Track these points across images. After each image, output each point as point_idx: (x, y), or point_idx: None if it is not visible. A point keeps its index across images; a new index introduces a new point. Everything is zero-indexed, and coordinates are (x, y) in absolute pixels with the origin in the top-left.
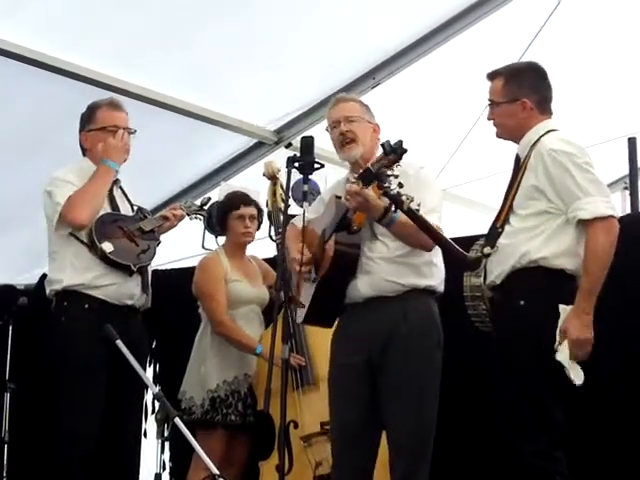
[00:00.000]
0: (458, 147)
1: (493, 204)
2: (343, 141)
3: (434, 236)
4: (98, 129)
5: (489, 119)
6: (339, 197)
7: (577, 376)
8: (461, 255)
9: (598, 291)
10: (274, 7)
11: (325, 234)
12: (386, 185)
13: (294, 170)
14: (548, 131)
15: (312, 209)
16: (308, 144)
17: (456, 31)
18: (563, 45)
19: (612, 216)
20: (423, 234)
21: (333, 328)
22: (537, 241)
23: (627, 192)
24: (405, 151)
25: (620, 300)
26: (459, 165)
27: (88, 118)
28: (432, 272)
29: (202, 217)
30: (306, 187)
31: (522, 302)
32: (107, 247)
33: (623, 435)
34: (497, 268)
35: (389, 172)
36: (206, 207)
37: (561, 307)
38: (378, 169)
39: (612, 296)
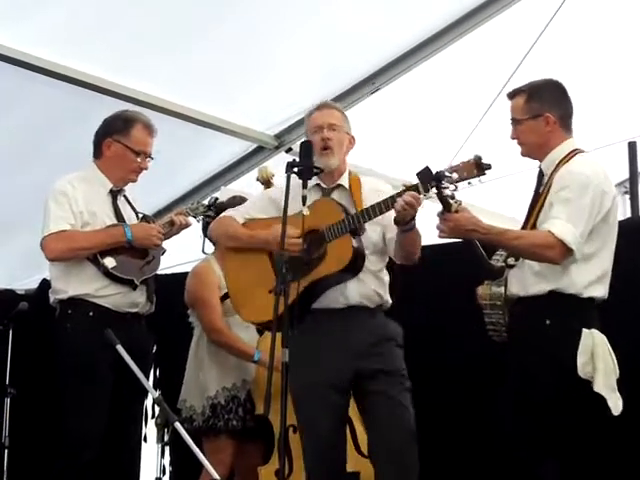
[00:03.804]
0: (457, 152)
1: (494, 209)
2: (323, 147)
3: (470, 243)
4: (129, 148)
5: (512, 138)
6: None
7: (615, 406)
8: (486, 263)
9: (496, 244)
10: (274, 12)
11: (327, 235)
12: (443, 186)
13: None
14: (574, 150)
15: (258, 208)
16: (307, 149)
17: (455, 37)
18: (562, 51)
19: (568, 248)
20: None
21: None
22: (567, 272)
23: (627, 196)
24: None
25: (621, 304)
26: None
27: (121, 129)
28: (387, 290)
29: (210, 217)
30: (305, 192)
31: (548, 322)
32: (109, 262)
33: (621, 443)
34: (521, 282)
35: (447, 173)
36: (214, 207)
37: (584, 331)
38: (442, 173)
39: (613, 300)
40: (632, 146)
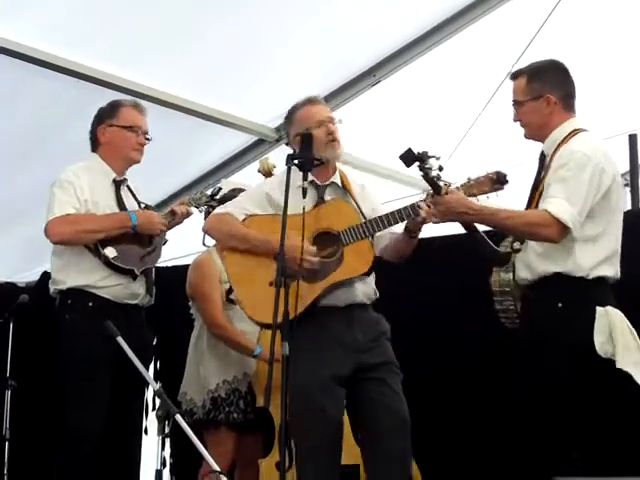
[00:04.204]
0: (459, 144)
1: (496, 201)
2: (332, 140)
3: (468, 227)
4: (120, 126)
5: (515, 120)
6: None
7: None
8: (491, 249)
9: (490, 225)
10: (275, 5)
11: (344, 238)
12: (427, 167)
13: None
14: (574, 130)
15: (255, 203)
16: (307, 141)
17: (456, 29)
18: (563, 42)
19: (565, 226)
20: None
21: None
22: (572, 253)
23: (628, 189)
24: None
25: (621, 296)
26: (459, 162)
27: (110, 113)
28: None
29: (213, 207)
30: (305, 184)
31: (560, 304)
32: (110, 252)
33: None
34: (526, 265)
35: (430, 154)
36: (217, 197)
37: (598, 309)
38: (425, 154)
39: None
40: (632, 138)
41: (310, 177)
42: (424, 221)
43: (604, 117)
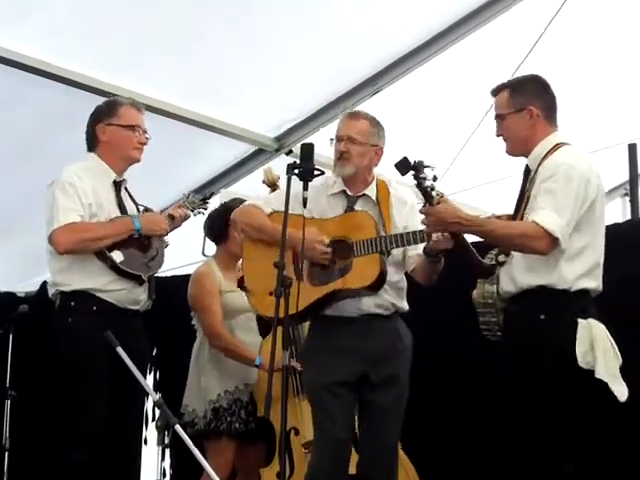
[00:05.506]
0: (458, 153)
1: (494, 210)
2: (337, 157)
3: (457, 239)
4: (121, 125)
5: (498, 135)
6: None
7: (621, 393)
8: (478, 262)
9: (480, 235)
10: (275, 14)
11: (356, 249)
12: (422, 176)
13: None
14: (557, 144)
15: (282, 202)
16: (308, 151)
17: (457, 38)
18: (563, 53)
19: (554, 238)
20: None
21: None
22: (557, 267)
23: (627, 198)
24: None
25: (620, 304)
26: (460, 171)
27: (109, 112)
28: (404, 295)
29: (204, 210)
30: (306, 194)
31: (542, 316)
32: (117, 256)
33: (628, 432)
34: (511, 278)
35: (426, 164)
36: (208, 201)
37: (580, 322)
38: (420, 163)
39: (612, 300)
40: (632, 148)
41: (342, 187)
42: (437, 244)
43: (604, 127)
